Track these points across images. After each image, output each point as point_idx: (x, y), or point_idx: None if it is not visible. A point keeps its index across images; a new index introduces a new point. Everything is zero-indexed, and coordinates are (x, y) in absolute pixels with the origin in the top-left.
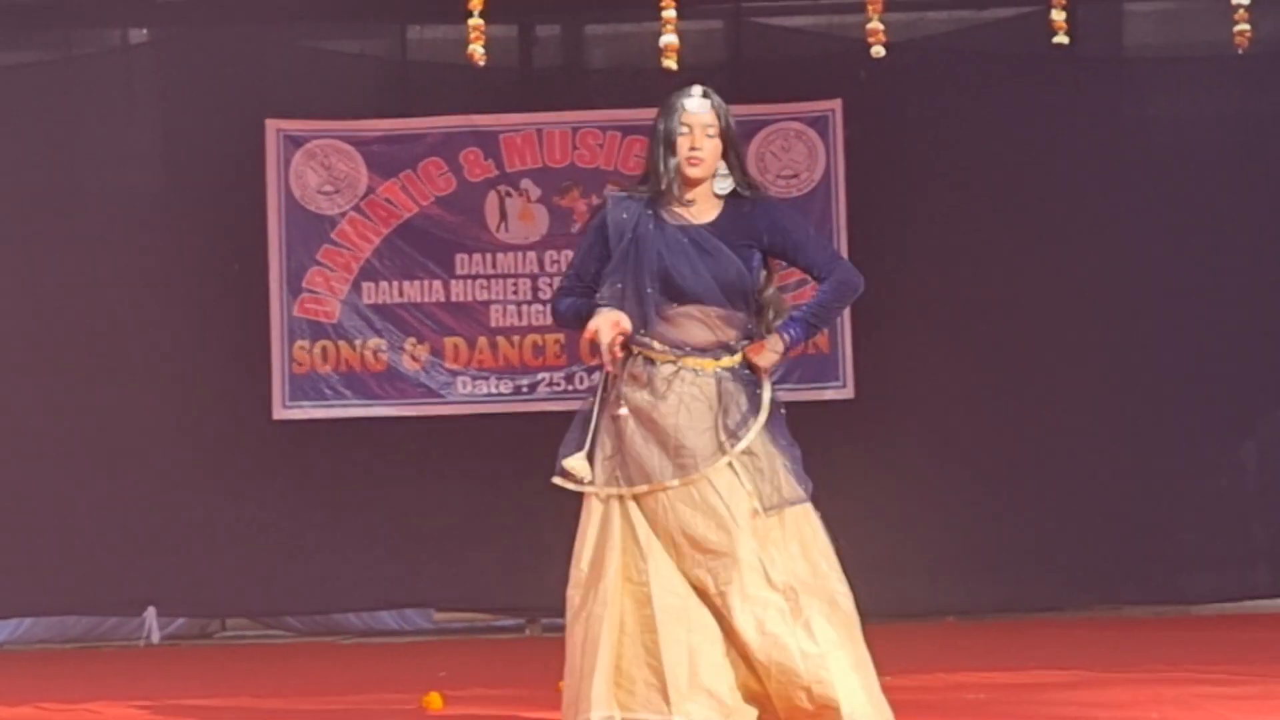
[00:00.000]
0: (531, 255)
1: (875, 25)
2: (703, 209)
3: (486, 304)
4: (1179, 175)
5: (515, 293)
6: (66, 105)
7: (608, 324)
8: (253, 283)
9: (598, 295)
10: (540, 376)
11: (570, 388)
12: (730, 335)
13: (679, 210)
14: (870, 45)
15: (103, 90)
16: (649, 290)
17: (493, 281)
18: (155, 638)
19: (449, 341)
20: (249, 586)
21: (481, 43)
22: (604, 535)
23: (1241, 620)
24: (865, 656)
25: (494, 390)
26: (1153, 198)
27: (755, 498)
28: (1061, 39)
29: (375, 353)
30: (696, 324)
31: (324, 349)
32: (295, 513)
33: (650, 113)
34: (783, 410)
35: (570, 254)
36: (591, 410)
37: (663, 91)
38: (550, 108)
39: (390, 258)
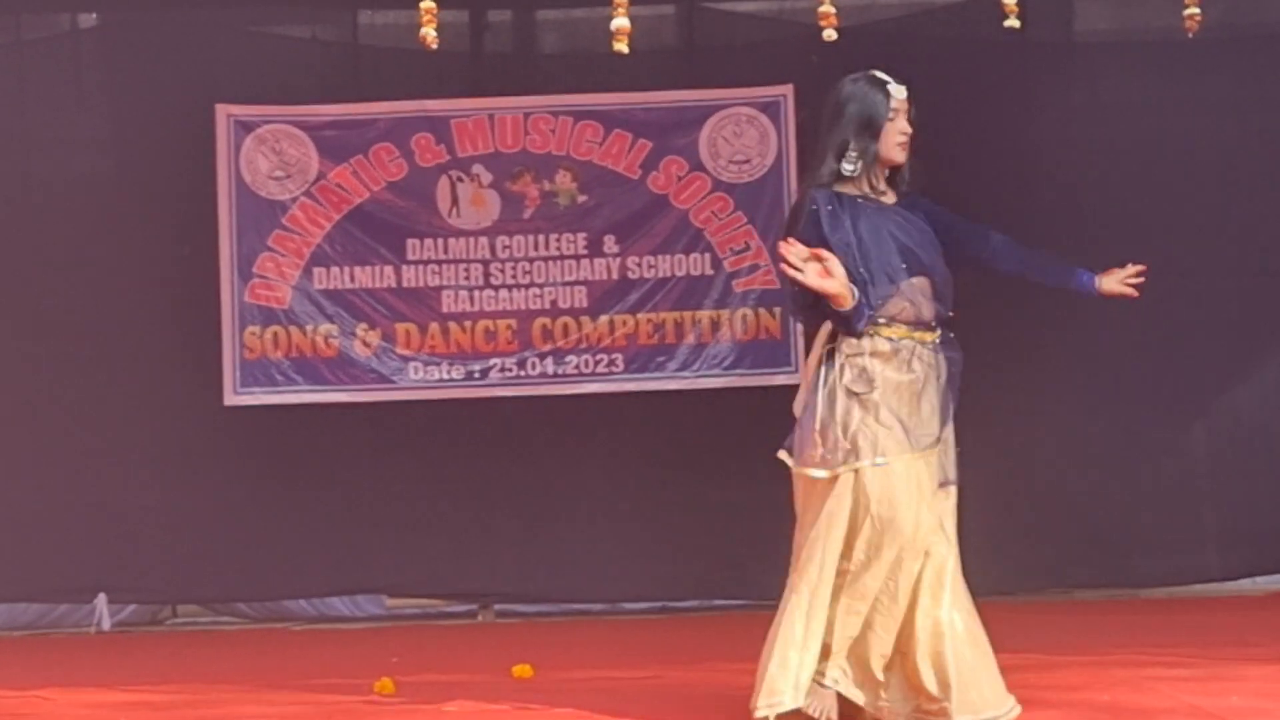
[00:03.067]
0: (483, 241)
1: (827, 9)
2: (886, 194)
3: (438, 289)
4: (1129, 160)
5: (467, 278)
6: (15, 90)
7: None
8: (203, 268)
9: None
10: (492, 362)
11: (522, 373)
12: (936, 309)
13: (874, 195)
14: (822, 29)
15: (52, 75)
16: (890, 262)
17: (444, 267)
18: (106, 625)
19: (400, 327)
20: (200, 573)
21: (433, 26)
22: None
23: (1191, 603)
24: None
25: (446, 376)
26: (1103, 182)
27: (938, 472)
28: (1013, 22)
29: (327, 338)
30: (922, 298)
31: (275, 335)
32: (247, 499)
33: (602, 98)
34: None
35: (521, 238)
36: (816, 392)
37: (614, 76)
38: (502, 93)
39: (341, 243)
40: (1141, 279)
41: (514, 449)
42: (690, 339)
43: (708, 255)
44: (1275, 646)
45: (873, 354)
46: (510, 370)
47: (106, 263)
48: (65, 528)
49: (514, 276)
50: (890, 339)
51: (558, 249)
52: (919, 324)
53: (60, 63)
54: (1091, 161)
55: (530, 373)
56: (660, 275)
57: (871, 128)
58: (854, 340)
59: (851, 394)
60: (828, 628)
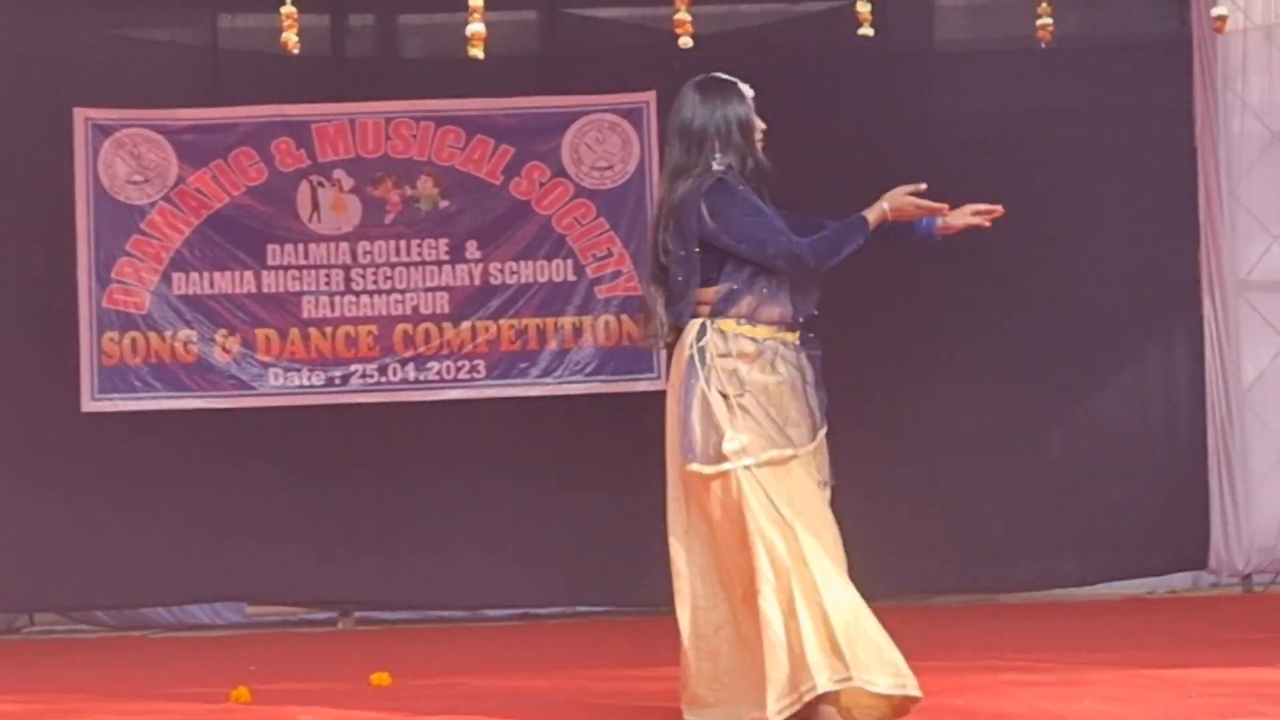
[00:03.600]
0: (344, 246)
1: (683, 16)
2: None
3: (299, 295)
4: (987, 168)
5: (328, 283)
6: None
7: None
8: (61, 274)
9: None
10: (353, 368)
11: (383, 379)
12: (797, 309)
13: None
14: (678, 37)
15: None
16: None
17: (304, 272)
18: None
19: (260, 333)
20: (58, 581)
21: (295, 31)
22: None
23: (1048, 609)
24: None
25: (306, 382)
26: (961, 190)
27: (817, 474)
28: (866, 31)
29: (186, 344)
30: (785, 294)
31: (134, 340)
32: (105, 506)
33: (463, 103)
34: None
35: (383, 244)
36: (691, 394)
37: (476, 82)
38: (363, 97)
39: (201, 248)
40: (998, 213)
41: (375, 455)
42: (553, 345)
43: (570, 261)
44: (1128, 651)
45: (739, 355)
46: (371, 376)
47: None
48: None
49: (375, 282)
50: (754, 339)
51: (419, 254)
52: (783, 323)
53: None
54: (951, 169)
55: (391, 379)
56: (522, 281)
57: (750, 128)
58: (719, 341)
59: (723, 396)
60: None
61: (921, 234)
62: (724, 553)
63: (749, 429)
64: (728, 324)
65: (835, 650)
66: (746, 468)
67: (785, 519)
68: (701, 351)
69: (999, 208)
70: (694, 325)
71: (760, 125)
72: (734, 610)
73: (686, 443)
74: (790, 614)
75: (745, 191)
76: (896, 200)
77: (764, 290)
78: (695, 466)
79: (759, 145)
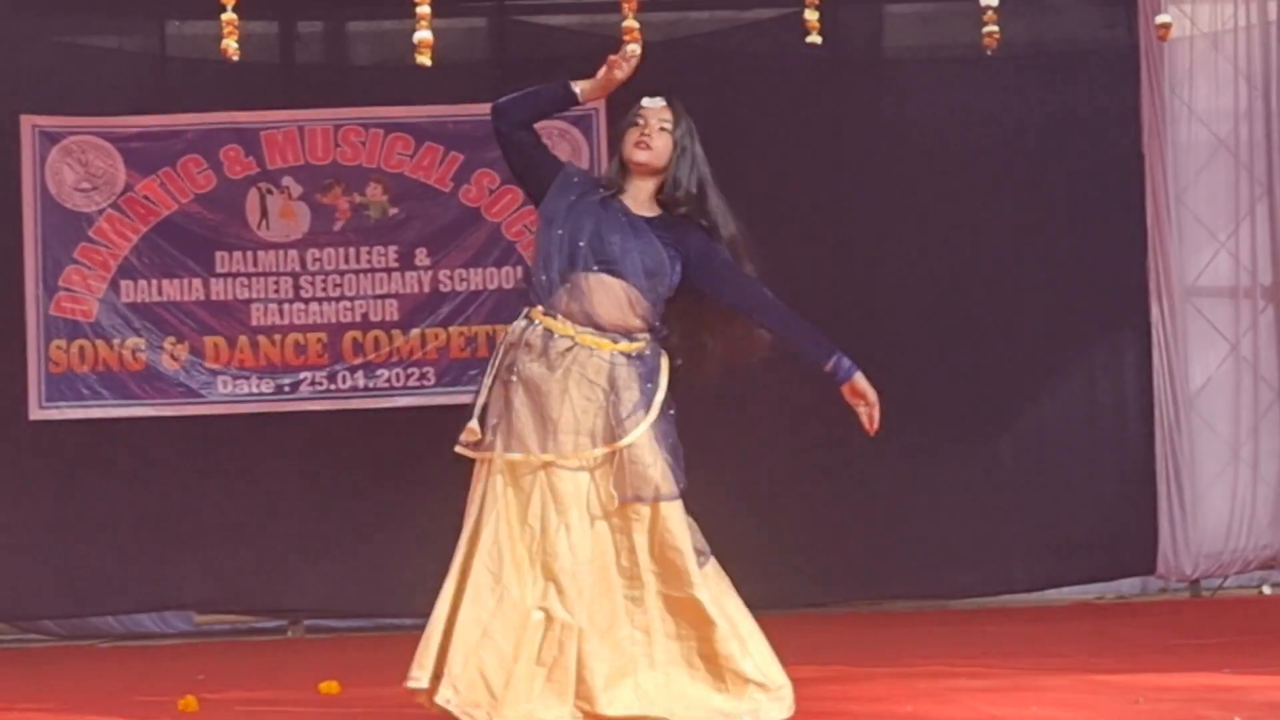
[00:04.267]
0: (293, 253)
1: (631, 23)
2: (643, 206)
3: (247, 302)
4: (936, 175)
5: (277, 291)
6: None
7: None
8: (7, 281)
9: (537, 233)
10: (302, 376)
11: (333, 387)
12: (635, 322)
13: (630, 203)
14: (626, 44)
15: None
16: (580, 244)
17: (254, 280)
18: None
19: (209, 340)
20: (5, 590)
21: (236, 38)
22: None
23: (997, 614)
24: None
25: (255, 390)
26: (911, 197)
27: (614, 487)
28: (814, 39)
29: (134, 352)
30: (610, 297)
31: (81, 348)
32: (52, 515)
33: (413, 110)
34: (671, 411)
35: (332, 251)
36: (486, 375)
37: (426, 89)
38: (312, 105)
39: (149, 256)
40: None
41: (324, 463)
42: None
43: (520, 268)
44: (1077, 656)
45: (525, 344)
46: (320, 384)
47: None
48: None
49: (324, 289)
50: (549, 332)
51: (368, 262)
52: (591, 326)
53: None
54: (899, 176)
55: (341, 386)
56: (472, 288)
57: (620, 137)
58: (518, 329)
59: (499, 380)
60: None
61: (833, 371)
62: None
63: (511, 421)
64: (536, 311)
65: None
66: (483, 460)
67: (479, 519)
68: (505, 334)
69: (874, 420)
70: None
71: (642, 132)
72: None
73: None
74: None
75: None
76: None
77: (580, 283)
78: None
79: (632, 148)
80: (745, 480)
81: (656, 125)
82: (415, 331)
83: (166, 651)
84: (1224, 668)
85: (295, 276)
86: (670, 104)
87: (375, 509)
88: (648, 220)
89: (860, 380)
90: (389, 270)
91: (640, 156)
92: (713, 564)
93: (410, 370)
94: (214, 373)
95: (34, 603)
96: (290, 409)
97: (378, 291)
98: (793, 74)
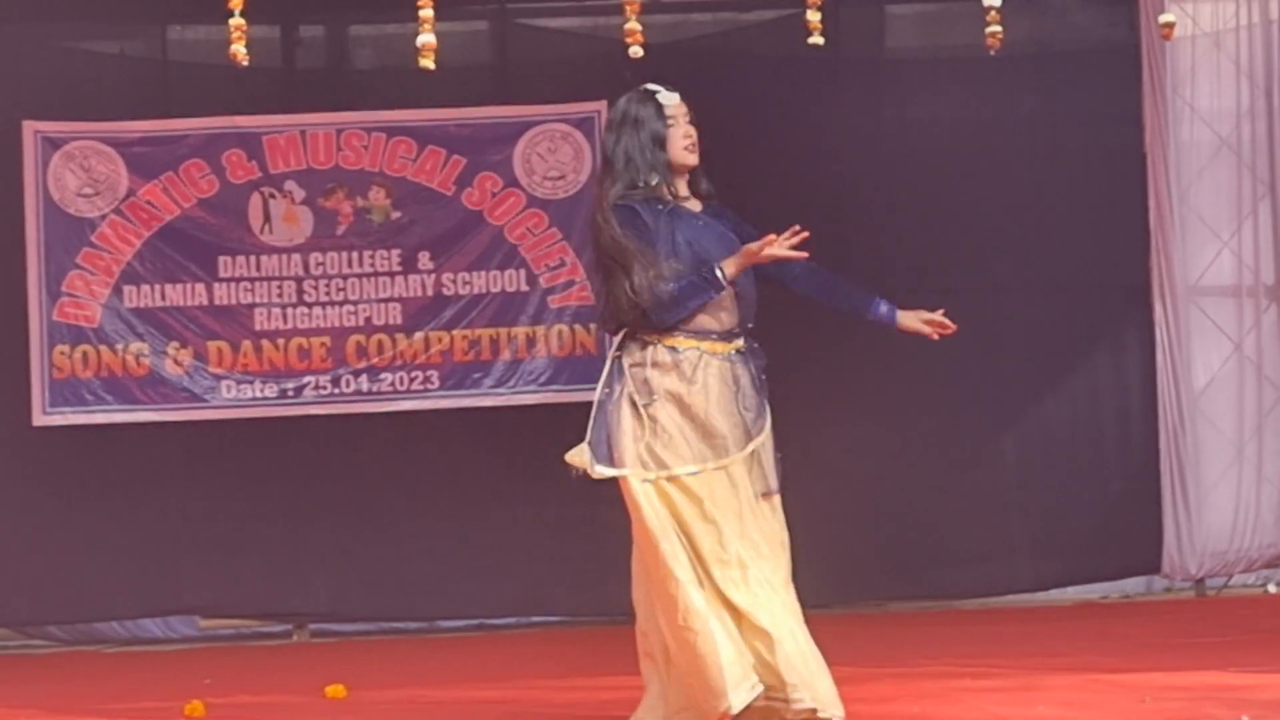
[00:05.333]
0: (296, 257)
1: (633, 26)
2: (688, 199)
3: (251, 307)
4: (939, 175)
5: (280, 295)
6: None
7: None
8: (11, 287)
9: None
10: (306, 380)
11: (337, 391)
12: (737, 319)
13: (677, 202)
14: (628, 46)
15: None
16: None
17: (257, 284)
18: None
19: (212, 345)
20: (10, 596)
21: (243, 43)
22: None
23: (1002, 614)
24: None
25: (259, 394)
26: (913, 197)
27: (757, 482)
28: (816, 40)
29: (137, 357)
30: (719, 307)
31: (85, 354)
32: (57, 520)
33: (415, 114)
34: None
35: (335, 255)
36: (609, 400)
37: (428, 92)
38: (314, 109)
39: (152, 261)
40: (948, 331)
41: (328, 467)
42: (506, 355)
43: (523, 271)
44: (1083, 656)
45: (654, 364)
46: (324, 388)
47: None
48: None
49: (328, 293)
50: (672, 349)
51: (372, 266)
52: (708, 334)
53: None
54: (902, 176)
55: (344, 390)
56: (475, 292)
57: (656, 139)
58: (636, 351)
59: (634, 404)
60: None
61: (875, 319)
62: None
63: (660, 440)
64: (649, 335)
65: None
66: (645, 480)
67: (680, 531)
68: (616, 361)
69: (952, 326)
70: (621, 335)
71: (686, 132)
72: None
73: (593, 444)
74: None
75: (638, 218)
76: (750, 256)
77: None
78: (598, 468)
79: (683, 152)
80: None
81: (687, 120)
82: (419, 335)
83: (171, 656)
84: (1229, 666)
85: (298, 281)
86: (682, 96)
87: (379, 513)
88: (709, 217)
89: (907, 319)
90: (392, 274)
91: (692, 160)
92: None
93: (414, 374)
94: (218, 377)
95: (38, 608)
96: (294, 413)
97: (381, 295)
98: (793, 75)
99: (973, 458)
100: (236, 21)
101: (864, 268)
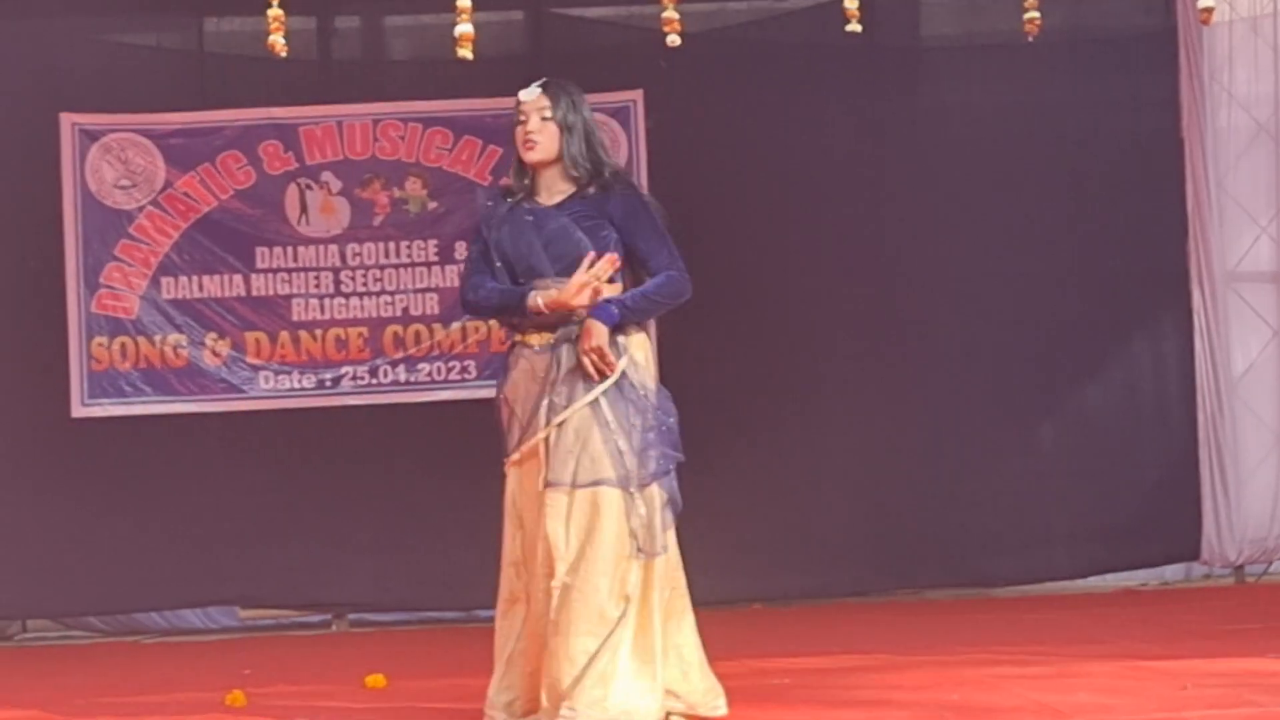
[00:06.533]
0: (333, 248)
1: (671, 15)
2: (553, 193)
3: (288, 298)
4: (976, 162)
5: (317, 286)
6: None
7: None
8: (49, 279)
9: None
10: (344, 370)
11: (374, 381)
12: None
13: (541, 199)
14: (666, 35)
15: None
16: (498, 266)
17: (294, 275)
18: None
19: (250, 336)
20: (50, 587)
21: (282, 33)
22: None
23: (1041, 601)
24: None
25: (296, 385)
26: (951, 184)
27: (547, 471)
28: (854, 27)
29: (175, 348)
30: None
31: (123, 345)
32: (96, 511)
33: (451, 104)
34: (644, 392)
35: (372, 246)
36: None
37: (464, 83)
38: (350, 100)
39: (189, 252)
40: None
41: (367, 457)
42: None
43: None
44: (1122, 643)
45: (505, 366)
46: (362, 378)
47: None
48: None
49: (365, 284)
50: (516, 341)
51: (409, 256)
52: (520, 327)
53: None
54: (938, 164)
55: (382, 381)
56: None
57: (512, 134)
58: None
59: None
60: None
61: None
62: None
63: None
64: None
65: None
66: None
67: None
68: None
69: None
70: None
71: (528, 128)
72: None
73: None
74: None
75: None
76: (561, 302)
77: None
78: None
79: (522, 147)
80: (785, 472)
81: (537, 117)
82: (456, 325)
83: (211, 647)
84: (1269, 653)
85: (335, 271)
86: (545, 89)
87: (418, 502)
88: (558, 206)
89: (593, 325)
90: (429, 264)
91: (529, 157)
92: None
93: (451, 364)
94: (255, 368)
95: (78, 599)
96: (332, 404)
97: (418, 285)
98: (829, 63)
99: (1011, 445)
100: (275, 13)
101: (901, 255)
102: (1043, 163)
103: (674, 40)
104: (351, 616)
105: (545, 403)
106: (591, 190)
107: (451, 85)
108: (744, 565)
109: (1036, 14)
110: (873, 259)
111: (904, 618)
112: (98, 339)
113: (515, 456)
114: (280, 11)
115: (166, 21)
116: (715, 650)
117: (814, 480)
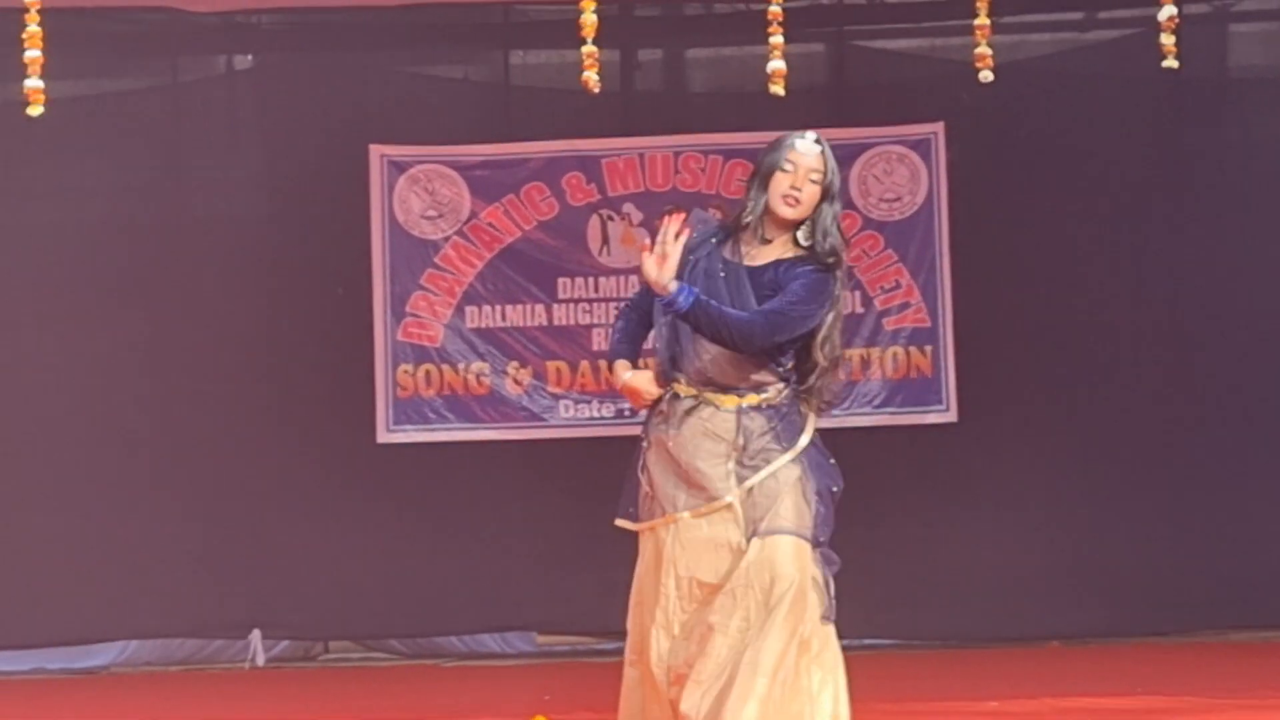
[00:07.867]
0: (634, 279)
1: (983, 50)
2: (769, 252)
3: (589, 328)
4: None
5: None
6: (171, 131)
7: (641, 390)
8: (357, 307)
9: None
10: None
11: None
12: (761, 375)
13: (746, 247)
14: (978, 70)
15: (208, 116)
16: (681, 324)
17: (595, 305)
18: (260, 660)
19: (551, 365)
20: (352, 609)
21: (596, 70)
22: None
23: None
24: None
25: (596, 414)
26: (1257, 219)
27: (746, 527)
28: (1171, 63)
29: (478, 376)
30: (725, 361)
31: (427, 373)
32: (398, 536)
33: (752, 136)
34: (831, 459)
35: None
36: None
37: (765, 115)
38: (652, 132)
39: (493, 281)
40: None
41: None
42: (840, 377)
43: (858, 293)
44: None
45: (657, 410)
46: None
47: (261, 302)
48: (220, 564)
49: None
50: (677, 395)
51: None
52: (711, 384)
53: (216, 104)
54: (1246, 198)
55: None
56: None
57: (766, 176)
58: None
59: (640, 449)
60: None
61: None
62: None
63: (653, 486)
64: (677, 380)
65: None
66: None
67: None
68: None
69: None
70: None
71: (793, 183)
72: None
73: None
74: None
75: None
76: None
77: (688, 348)
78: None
79: (778, 199)
80: (1085, 507)
81: (806, 176)
82: None
83: (508, 671)
84: None
85: None
86: (824, 151)
87: None
88: (761, 269)
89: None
90: None
91: (788, 213)
92: None
93: None
94: (556, 397)
95: (380, 622)
96: (630, 433)
97: None
98: (1133, 95)
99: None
100: (589, 49)
101: (1204, 287)
102: None
103: (986, 76)
104: None
105: (734, 462)
106: (797, 261)
107: (752, 117)
108: (1043, 603)
109: None
110: (1176, 293)
111: (1207, 659)
112: (403, 366)
113: (685, 515)
114: (594, 48)
115: (474, 54)
116: (1014, 689)
117: (1116, 517)
